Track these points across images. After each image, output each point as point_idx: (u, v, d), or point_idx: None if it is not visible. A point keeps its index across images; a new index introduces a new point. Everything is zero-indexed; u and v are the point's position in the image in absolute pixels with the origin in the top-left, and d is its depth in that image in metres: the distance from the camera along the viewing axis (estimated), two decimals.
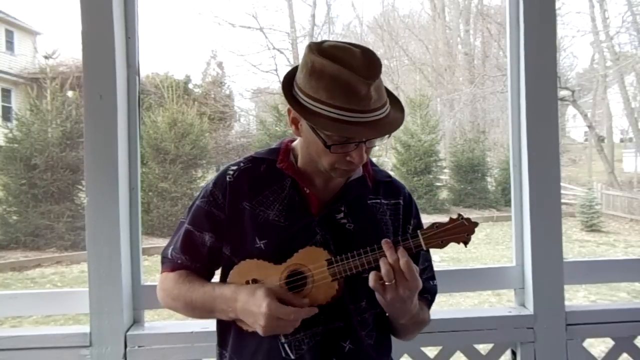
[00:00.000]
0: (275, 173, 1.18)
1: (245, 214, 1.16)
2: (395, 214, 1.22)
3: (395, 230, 1.21)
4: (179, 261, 1.21)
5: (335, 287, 1.09)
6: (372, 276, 1.05)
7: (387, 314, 1.19)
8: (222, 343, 1.21)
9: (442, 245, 1.08)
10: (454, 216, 1.09)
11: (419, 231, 1.09)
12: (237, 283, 1.13)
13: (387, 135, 1.07)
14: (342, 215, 1.17)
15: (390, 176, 1.28)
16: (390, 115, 1.08)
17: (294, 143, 1.23)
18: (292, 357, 1.11)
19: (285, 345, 1.12)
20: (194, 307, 1.17)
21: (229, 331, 1.19)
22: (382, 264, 1.04)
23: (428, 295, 1.25)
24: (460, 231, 1.08)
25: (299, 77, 1.09)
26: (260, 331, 1.05)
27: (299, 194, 1.16)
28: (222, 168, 1.24)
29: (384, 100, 1.07)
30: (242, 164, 1.21)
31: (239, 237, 1.15)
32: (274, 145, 1.24)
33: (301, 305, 1.06)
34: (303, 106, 1.06)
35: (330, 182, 1.19)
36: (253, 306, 1.05)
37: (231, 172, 1.19)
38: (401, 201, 1.24)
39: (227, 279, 1.16)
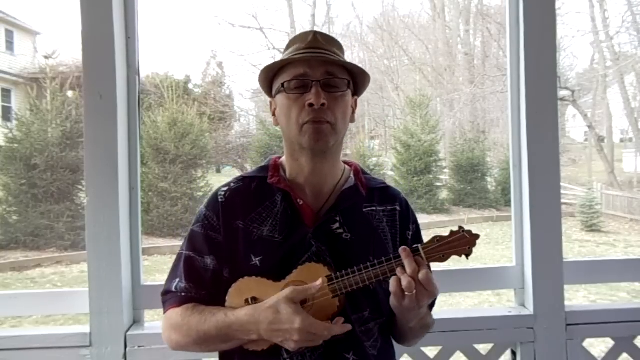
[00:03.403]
0: (267, 190, 1.18)
1: (239, 232, 1.15)
2: (392, 221, 1.21)
3: (393, 238, 1.20)
4: (183, 293, 1.15)
5: (336, 303, 1.07)
6: (393, 281, 1.04)
7: (395, 318, 1.16)
8: None
9: (443, 259, 1.06)
10: (455, 229, 1.07)
11: (419, 246, 1.05)
12: (236, 301, 1.10)
13: (347, 81, 1.14)
14: (337, 225, 1.15)
15: (384, 183, 1.27)
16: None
17: (282, 159, 1.23)
18: None
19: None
20: (207, 340, 1.10)
21: (233, 350, 1.14)
22: (403, 278, 1.02)
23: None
24: (462, 244, 1.06)
25: None
26: (291, 346, 1.02)
27: (291, 207, 1.15)
28: (212, 190, 1.23)
29: (335, 51, 1.15)
30: (232, 184, 1.21)
31: (235, 257, 1.14)
32: (262, 163, 1.24)
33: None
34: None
35: (322, 190, 1.18)
36: (285, 324, 1.01)
37: (222, 193, 1.19)
38: (398, 207, 1.23)
39: (226, 297, 1.12)
